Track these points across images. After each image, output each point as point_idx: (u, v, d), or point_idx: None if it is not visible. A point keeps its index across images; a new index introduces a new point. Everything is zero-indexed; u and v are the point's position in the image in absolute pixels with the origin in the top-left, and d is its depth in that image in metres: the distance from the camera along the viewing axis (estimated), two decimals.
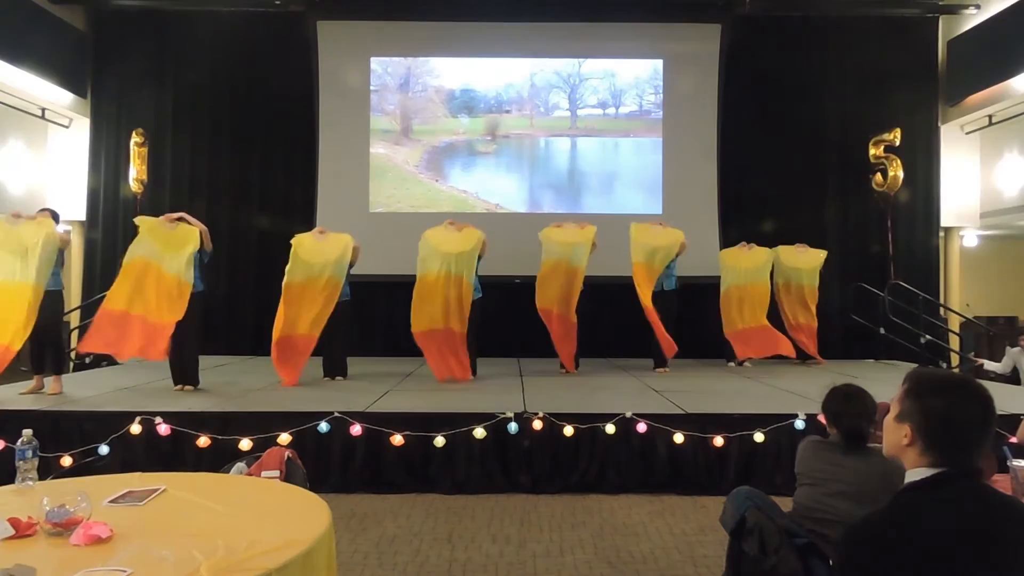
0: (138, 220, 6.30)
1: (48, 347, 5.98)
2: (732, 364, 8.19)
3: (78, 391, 5.96)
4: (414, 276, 6.96)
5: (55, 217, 6.00)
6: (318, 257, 6.74)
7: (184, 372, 6.23)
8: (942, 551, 1.34)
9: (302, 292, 6.65)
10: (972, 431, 1.45)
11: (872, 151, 9.33)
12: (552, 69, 9.96)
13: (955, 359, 9.16)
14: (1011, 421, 4.86)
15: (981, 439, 1.46)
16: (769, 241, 8.51)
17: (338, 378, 6.93)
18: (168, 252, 6.11)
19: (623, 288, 7.83)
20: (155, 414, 4.96)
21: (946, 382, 1.52)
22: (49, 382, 5.89)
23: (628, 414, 5.09)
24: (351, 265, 6.98)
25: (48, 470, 4.52)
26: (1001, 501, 1.46)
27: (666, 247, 7.61)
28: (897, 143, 9.21)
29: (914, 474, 1.47)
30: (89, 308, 9.07)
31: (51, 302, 5.85)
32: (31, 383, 5.94)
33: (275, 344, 6.52)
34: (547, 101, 9.99)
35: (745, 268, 8.05)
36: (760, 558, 2.62)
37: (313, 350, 6.72)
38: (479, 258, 7.03)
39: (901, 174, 9.20)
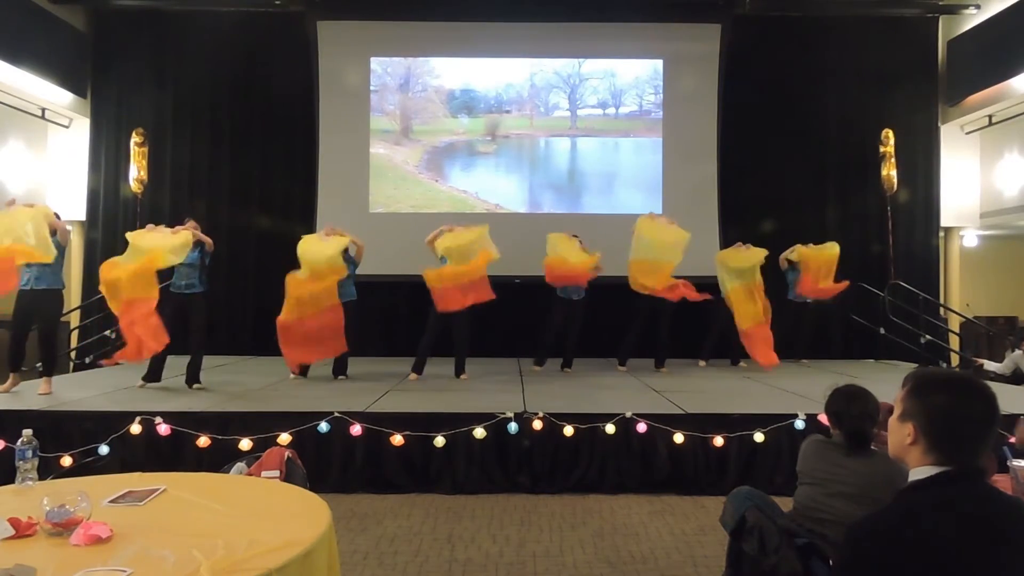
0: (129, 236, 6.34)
1: (41, 346, 5.93)
2: (744, 364, 8.17)
3: (78, 391, 5.95)
4: (414, 276, 6.95)
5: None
6: (320, 253, 6.81)
7: (191, 371, 6.28)
8: (944, 551, 1.34)
9: (304, 283, 6.71)
10: (976, 429, 1.45)
11: (882, 148, 9.31)
12: (552, 69, 9.95)
13: (955, 359, 9.15)
14: (1012, 421, 4.88)
15: (985, 438, 1.45)
16: (769, 241, 8.48)
17: (340, 377, 6.96)
18: (156, 245, 6.12)
19: (623, 288, 7.81)
20: (155, 414, 4.96)
21: (950, 380, 1.52)
22: (40, 383, 5.85)
23: (628, 414, 5.09)
24: (356, 264, 7.06)
25: (48, 470, 4.52)
26: (1003, 501, 1.45)
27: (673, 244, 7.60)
28: (890, 142, 9.20)
29: (917, 473, 1.47)
30: (89, 308, 9.08)
31: (51, 300, 5.84)
32: (7, 382, 5.82)
33: (278, 329, 6.64)
34: (547, 101, 9.98)
35: (740, 268, 8.00)
36: (760, 558, 2.63)
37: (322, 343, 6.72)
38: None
39: (895, 173, 9.18)
